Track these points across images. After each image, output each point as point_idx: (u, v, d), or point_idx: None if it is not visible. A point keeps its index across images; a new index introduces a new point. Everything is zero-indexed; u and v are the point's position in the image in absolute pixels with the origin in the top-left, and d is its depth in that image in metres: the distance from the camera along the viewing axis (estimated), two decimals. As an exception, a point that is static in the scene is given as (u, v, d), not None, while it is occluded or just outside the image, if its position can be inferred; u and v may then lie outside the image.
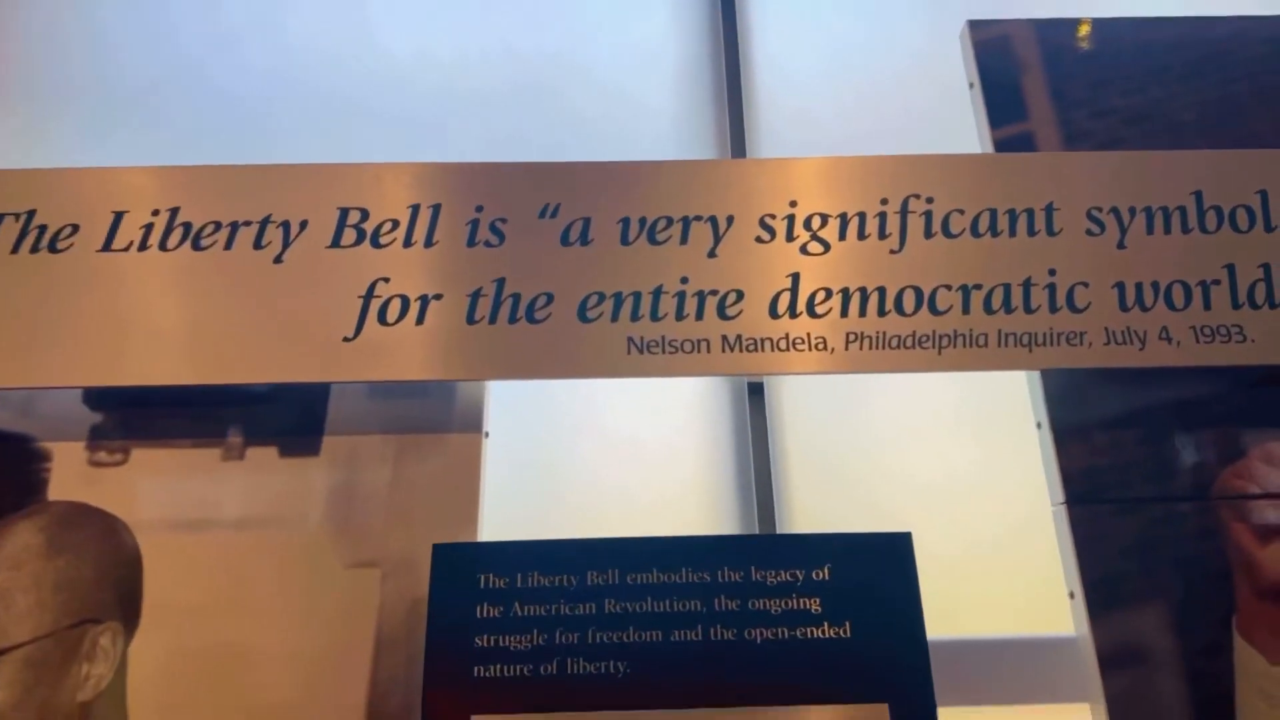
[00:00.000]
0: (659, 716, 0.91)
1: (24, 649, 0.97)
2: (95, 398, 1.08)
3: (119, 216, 1.14)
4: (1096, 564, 1.05)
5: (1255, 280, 1.13)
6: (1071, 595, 1.06)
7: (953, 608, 1.06)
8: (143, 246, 1.12)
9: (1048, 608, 1.08)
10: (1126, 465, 1.11)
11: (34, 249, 1.12)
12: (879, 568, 0.99)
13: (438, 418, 1.09)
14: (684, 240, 1.14)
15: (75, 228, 1.13)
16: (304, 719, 0.95)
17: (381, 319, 1.08)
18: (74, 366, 1.06)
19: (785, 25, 1.52)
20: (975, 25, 1.36)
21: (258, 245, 1.12)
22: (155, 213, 1.14)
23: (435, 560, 0.97)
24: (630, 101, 1.44)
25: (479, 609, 0.96)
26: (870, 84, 1.46)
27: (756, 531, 1.16)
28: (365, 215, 1.14)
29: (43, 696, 0.95)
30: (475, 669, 0.93)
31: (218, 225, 1.13)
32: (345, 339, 1.07)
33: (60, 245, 1.12)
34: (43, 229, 1.13)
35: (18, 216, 1.14)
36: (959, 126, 1.32)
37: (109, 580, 1.00)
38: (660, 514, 1.18)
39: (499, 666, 0.93)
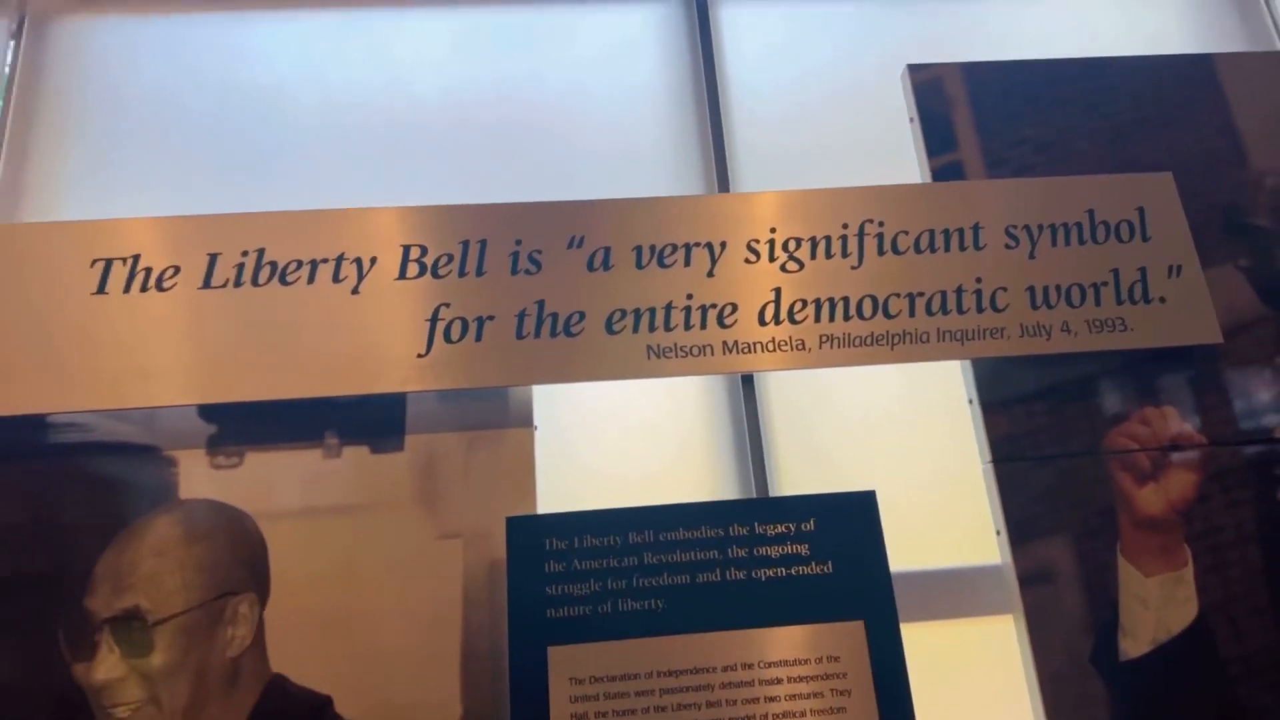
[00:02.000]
0: (689, 639, 1.19)
1: (178, 619, 1.20)
2: (210, 412, 1.30)
3: (214, 258, 1.35)
4: (1016, 508, 1.36)
5: (1134, 281, 1.44)
6: (998, 532, 1.36)
7: (908, 546, 1.35)
8: (238, 283, 1.33)
9: (979, 543, 1.38)
10: (1037, 430, 1.41)
11: (144, 288, 1.32)
12: (851, 519, 1.27)
13: (496, 416, 1.34)
14: (687, 263, 1.39)
15: (177, 269, 1.33)
16: (409, 663, 1.20)
17: (447, 338, 1.32)
18: (191, 388, 1.27)
19: (758, 69, 1.76)
20: (914, 68, 1.63)
21: (336, 279, 1.34)
22: (245, 253, 1.35)
23: (510, 530, 1.23)
24: (625, 137, 1.67)
25: (546, 565, 1.22)
26: (831, 116, 1.72)
27: (754, 495, 1.44)
28: (425, 251, 1.37)
29: (199, 655, 1.19)
30: (548, 611, 1.19)
31: (299, 263, 1.35)
32: (419, 355, 1.30)
33: (166, 285, 1.33)
34: (149, 270, 1.33)
35: (125, 261, 1.34)
36: (906, 152, 1.58)
37: (241, 560, 1.23)
38: (677, 485, 1.44)
39: (566, 609, 1.19)
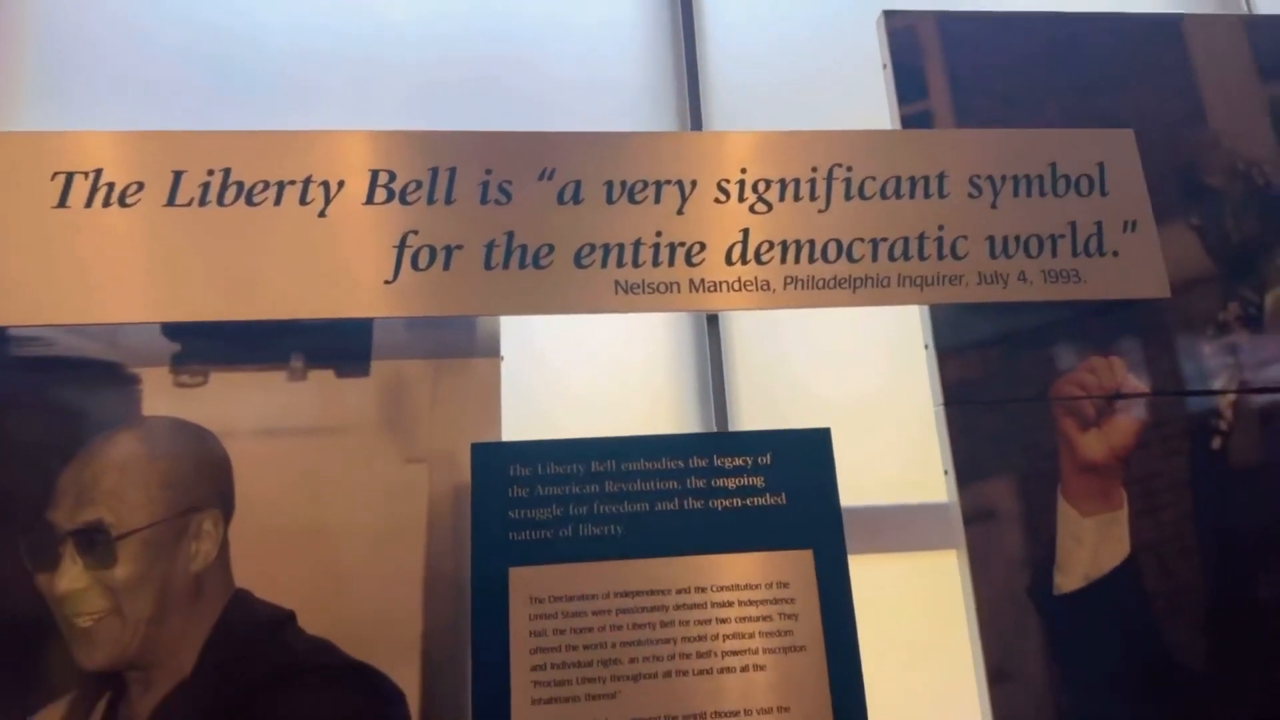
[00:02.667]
0: (646, 563, 1.23)
1: (141, 533, 1.21)
2: (173, 330, 1.29)
3: (178, 176, 1.33)
4: (964, 449, 1.41)
5: (1090, 235, 1.48)
6: (946, 472, 1.41)
7: (859, 482, 1.39)
8: (203, 202, 1.32)
9: (927, 482, 1.44)
10: (990, 375, 1.46)
11: (106, 204, 1.30)
12: (806, 455, 1.32)
13: (463, 345, 1.35)
14: (657, 200, 1.40)
15: (140, 185, 1.31)
16: (375, 580, 1.23)
17: (414, 265, 1.32)
18: (154, 305, 1.26)
19: (736, 4, 1.75)
20: (889, 15, 1.63)
21: (303, 201, 1.33)
22: (210, 172, 1.33)
23: (475, 456, 1.25)
24: (601, 71, 1.66)
25: (510, 490, 1.24)
26: (808, 56, 1.72)
27: (714, 429, 1.47)
28: (393, 177, 1.36)
29: (162, 569, 1.20)
30: (510, 534, 1.22)
31: (266, 184, 1.33)
32: (386, 282, 1.31)
33: (129, 200, 1.31)
34: (111, 186, 1.31)
35: (86, 175, 1.32)
36: (879, 96, 1.59)
37: (205, 477, 1.25)
38: (639, 418, 1.47)
39: (528, 532, 1.23)
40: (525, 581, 1.21)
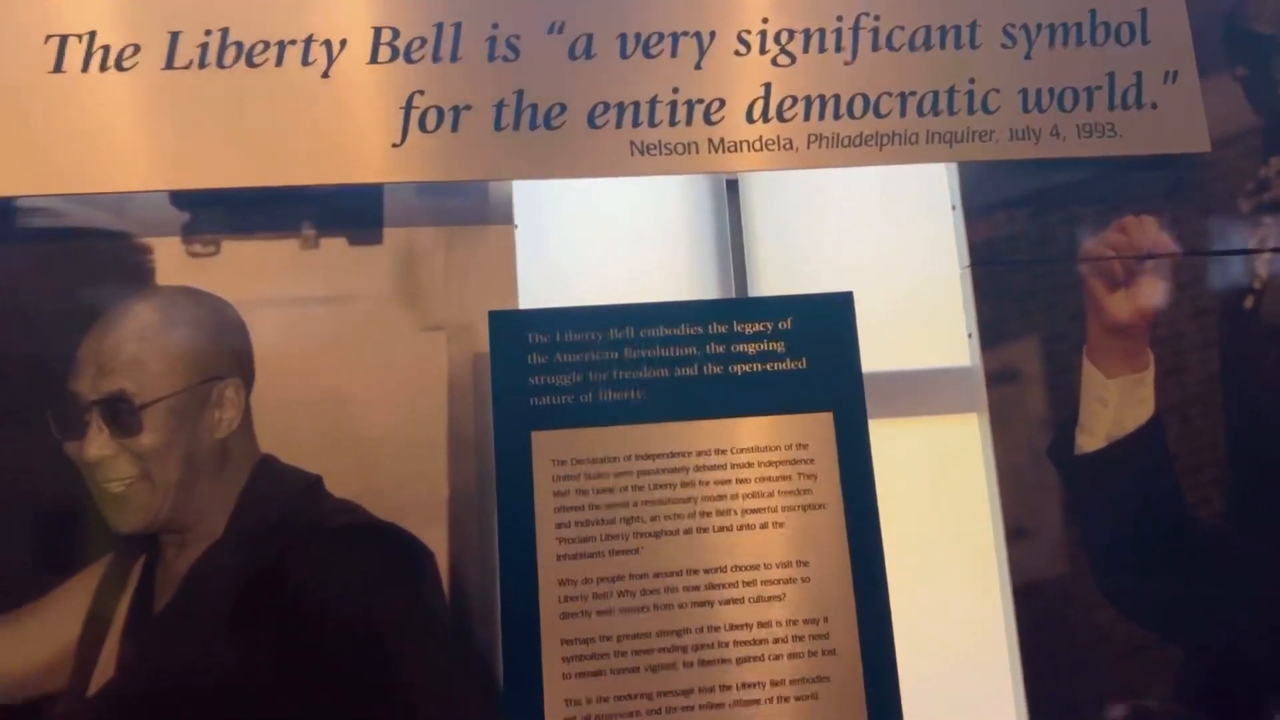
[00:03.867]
0: (667, 426, 1.23)
1: (165, 402, 1.22)
2: (183, 199, 1.27)
3: (175, 37, 1.27)
4: (990, 311, 1.38)
5: (1129, 86, 1.40)
6: (970, 335, 1.39)
7: (881, 347, 1.38)
8: (202, 64, 1.26)
9: (950, 346, 1.42)
10: (1018, 236, 1.42)
11: (103, 68, 1.25)
12: (828, 319, 1.29)
13: (476, 213, 1.32)
14: (674, 54, 1.34)
15: (137, 48, 1.26)
16: (397, 446, 1.24)
17: (422, 127, 1.27)
18: (160, 173, 1.24)
19: None
20: None
21: (305, 62, 1.28)
22: (208, 33, 1.27)
23: (492, 324, 1.24)
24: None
25: (529, 357, 1.24)
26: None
27: (734, 296, 1.45)
28: (396, 34, 1.30)
29: (187, 436, 1.22)
30: (531, 399, 1.22)
31: (266, 44, 1.28)
32: (394, 145, 1.27)
33: (126, 64, 1.26)
34: (107, 49, 1.26)
35: (80, 37, 1.26)
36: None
37: (224, 346, 1.24)
38: (659, 284, 1.44)
39: (549, 397, 1.23)
40: (547, 445, 1.22)
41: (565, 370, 1.25)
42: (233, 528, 1.21)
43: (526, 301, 1.31)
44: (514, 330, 1.25)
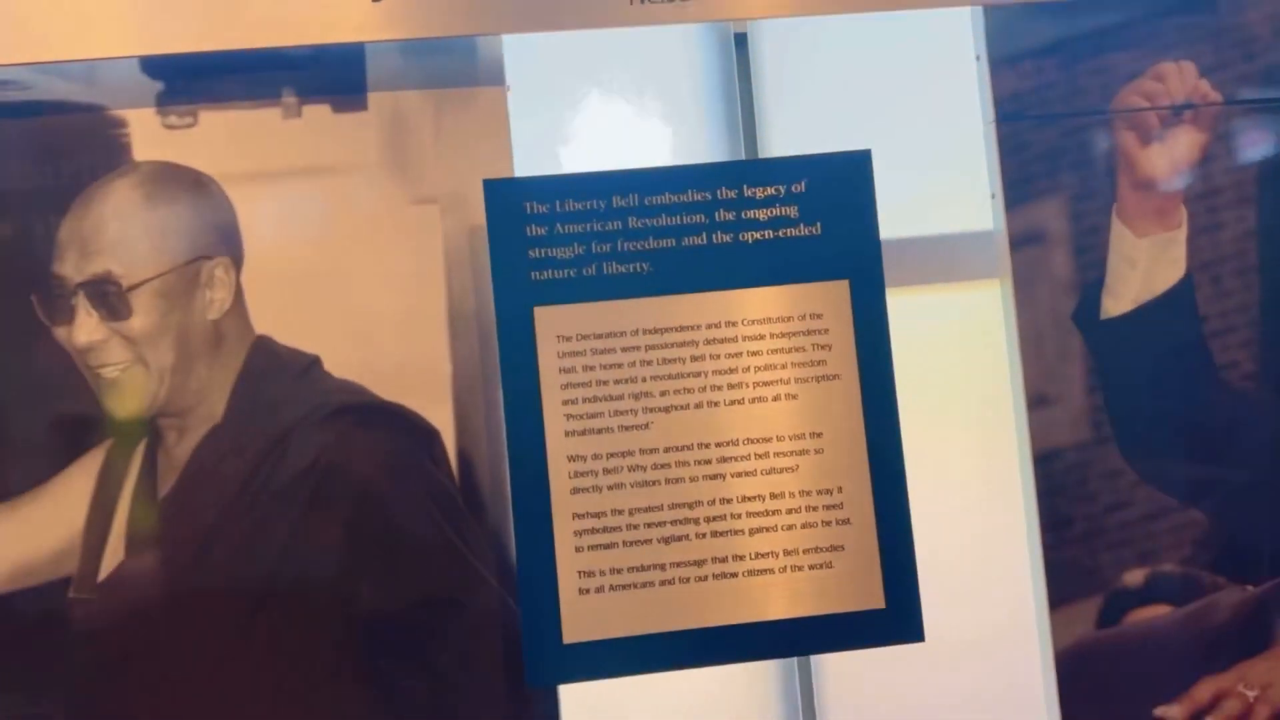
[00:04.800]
0: (674, 299, 1.18)
1: (152, 284, 1.17)
2: (156, 67, 1.19)
3: (128, -117, 1.17)
4: (1014, 169, 1.31)
5: (1174, -85, 1.28)
6: (993, 195, 1.32)
7: (898, 210, 1.31)
8: (161, -86, 1.16)
9: (971, 209, 1.35)
10: (1046, 87, 1.33)
11: (53, -80, 1.15)
12: (844, 181, 1.22)
13: (465, 74, 1.23)
14: (675, -109, 1.22)
15: (88, -104, 1.16)
16: (395, 324, 1.20)
17: (405, -20, 1.18)
18: (128, 39, 1.15)
19: None
20: None
21: (272, -91, 1.17)
22: (164, -123, 1.17)
23: (487, 193, 1.18)
24: None
25: (528, 229, 1.18)
26: None
27: (743, 158, 1.37)
28: (370, -126, 1.19)
29: (179, 318, 1.18)
30: (531, 273, 1.17)
31: (229, -111, 1.17)
32: (373, 0, 1.18)
33: (78, -85, 1.16)
34: (55, -101, 1.16)
35: (26, -114, 1.16)
36: None
37: (209, 224, 1.19)
38: (662, 148, 1.37)
39: (549, 271, 1.17)
40: (551, 320, 1.17)
41: (566, 242, 1.19)
42: (232, 410, 1.18)
43: (523, 170, 1.24)
44: (510, 200, 1.18)
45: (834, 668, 1.36)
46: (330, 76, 1.21)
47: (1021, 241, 1.29)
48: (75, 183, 1.17)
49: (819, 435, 1.18)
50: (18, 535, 1.16)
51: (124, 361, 1.16)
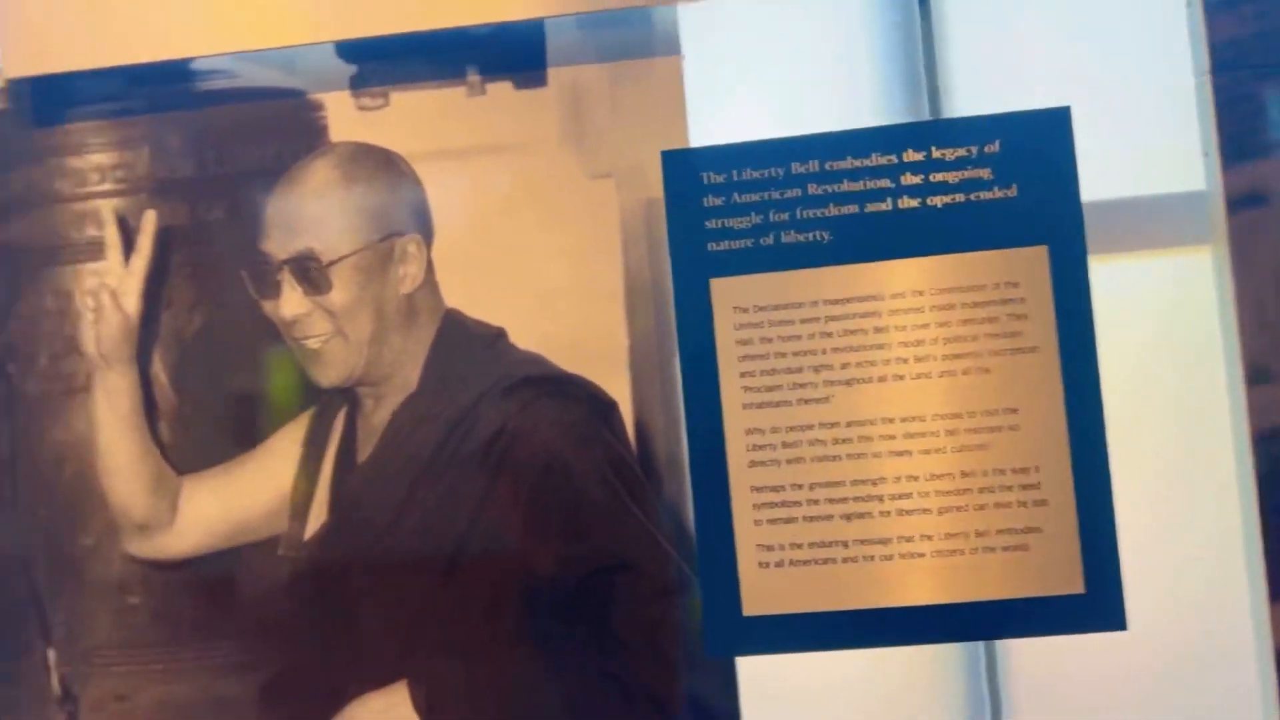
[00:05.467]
0: (857, 268, 1.14)
1: (350, 259, 1.23)
2: (349, 51, 1.24)
3: (324, -125, 1.22)
4: (1231, 124, 1.19)
5: None
6: (1206, 154, 1.21)
7: (1101, 170, 1.22)
8: (352, -96, 1.21)
9: (1181, 169, 1.24)
10: (1267, 34, 1.20)
11: (258, -84, 1.22)
12: (1041, 139, 1.15)
13: (640, 45, 1.23)
14: None
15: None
16: (574, 297, 1.22)
17: (584, -47, 1.18)
18: (324, 24, 1.21)
19: None
20: None
21: (456, -109, 1.20)
22: None
23: (665, 164, 1.17)
24: None
25: (705, 199, 1.17)
26: None
27: (928, 119, 1.32)
28: None
29: (375, 292, 1.24)
30: (708, 244, 1.16)
31: (415, -126, 1.20)
32: (555, -25, 1.19)
33: (278, -90, 1.22)
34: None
35: (233, -115, 1.23)
36: None
37: (401, 201, 1.24)
38: (842, 112, 1.32)
39: (727, 242, 1.16)
40: (728, 292, 1.16)
41: (744, 212, 1.17)
42: (426, 380, 1.23)
43: (698, 140, 1.23)
44: (688, 171, 1.18)
45: (1024, 658, 1.30)
46: (512, 54, 1.23)
47: (1240, 203, 1.18)
48: (278, 165, 1.25)
49: (1014, 411, 1.12)
50: (233, 496, 1.26)
51: (325, 333, 1.23)
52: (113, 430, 1.26)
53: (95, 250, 1.27)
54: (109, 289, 1.25)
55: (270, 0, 1.21)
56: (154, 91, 1.28)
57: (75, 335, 1.28)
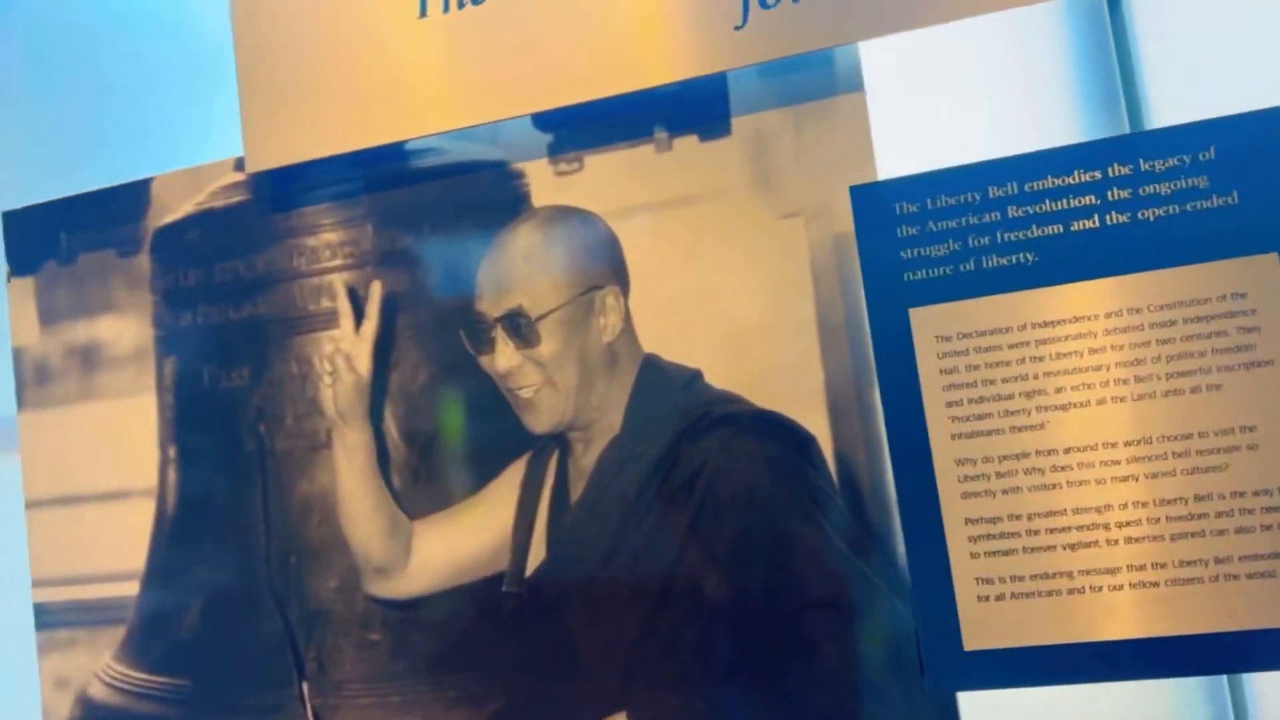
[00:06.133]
0: (1065, 289, 1.12)
1: (556, 313, 1.32)
2: (544, 122, 1.34)
3: (516, -38, 1.33)
4: None
5: None
6: None
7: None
8: (543, -15, 1.31)
9: None
10: None
11: (460, 5, 1.34)
12: (1263, 143, 1.08)
13: (822, 85, 1.26)
14: None
15: (483, -20, 1.33)
16: (768, 335, 1.25)
17: (762, 3, 1.23)
18: (527, 97, 1.30)
19: None
20: None
21: (637, -39, 1.28)
22: (545, -48, 1.31)
23: (854, 199, 1.19)
24: None
25: (899, 230, 1.18)
26: None
27: (1127, 132, 1.27)
28: (725, -90, 1.25)
29: (579, 344, 1.31)
30: (904, 275, 1.17)
31: (599, -49, 1.29)
32: (735, 28, 1.23)
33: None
34: (460, -12, 1.35)
35: (437, -18, 1.36)
36: None
37: (599, 257, 1.32)
38: (1032, 132, 1.30)
39: (924, 271, 1.16)
40: (928, 321, 1.16)
41: (940, 239, 1.17)
42: (628, 422, 1.29)
43: (885, 172, 1.24)
44: (879, 203, 1.19)
45: (1275, 693, 1.21)
46: (696, 108, 1.29)
47: None
48: (488, 231, 1.36)
49: (1251, 429, 1.05)
50: (460, 537, 1.36)
51: (536, 383, 1.32)
52: (352, 481, 1.39)
53: (330, 319, 1.43)
54: (343, 353, 1.40)
55: (472, 81, 1.32)
56: (373, 173, 1.43)
57: (316, 397, 1.43)
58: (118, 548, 1.53)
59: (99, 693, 1.52)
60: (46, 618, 1.56)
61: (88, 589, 1.55)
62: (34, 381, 1.59)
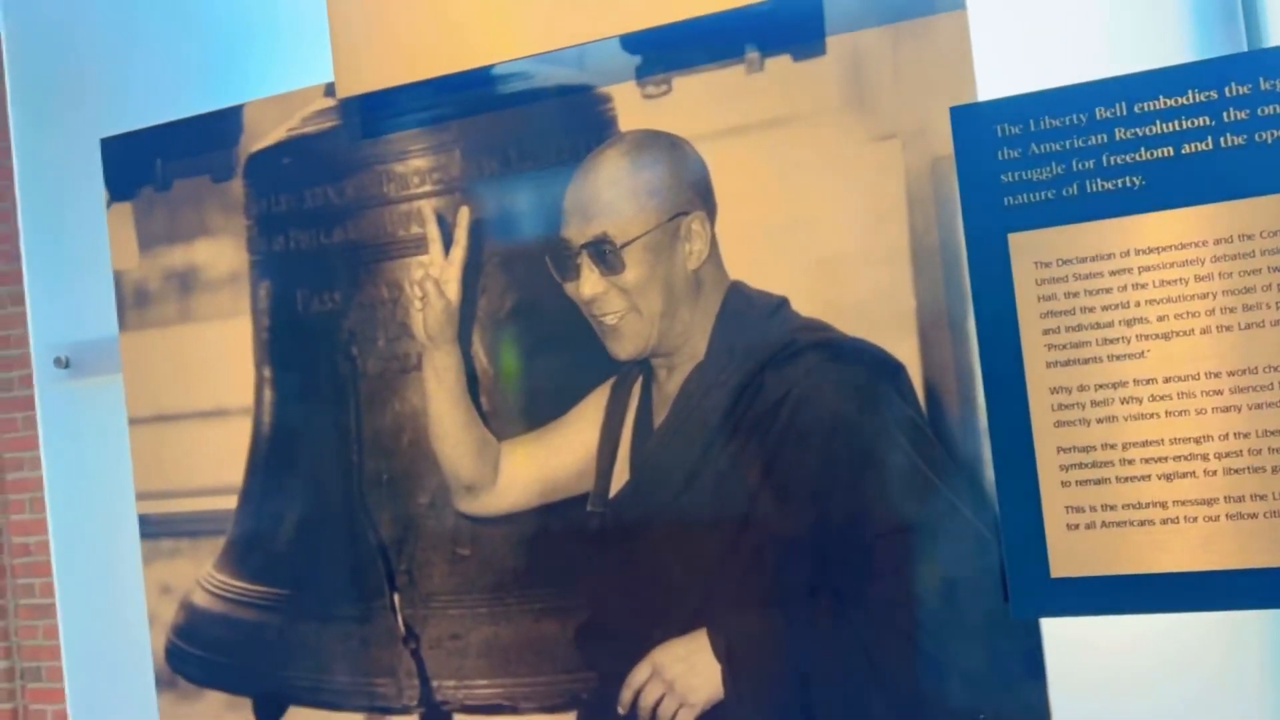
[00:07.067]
0: (1172, 214, 1.07)
1: (641, 240, 1.32)
2: (631, 43, 1.33)
3: (606, -122, 1.30)
4: None
5: None
6: None
7: None
8: (634, -99, 1.28)
9: None
10: None
11: (548, -74, 1.32)
12: (1398, 57, 1.03)
13: (921, 3, 1.21)
14: None
15: (574, -102, 1.31)
16: (858, 262, 1.24)
17: (862, -83, 1.19)
18: (612, 19, 1.29)
19: None
20: None
21: (731, -126, 1.24)
22: None
23: (955, 120, 1.16)
24: None
25: (1000, 153, 1.14)
26: None
27: (1245, 50, 1.21)
28: None
29: (664, 270, 1.32)
30: (1005, 199, 1.14)
31: None
32: (832, -57, 1.20)
33: (566, -83, 1.32)
34: (548, -94, 1.32)
35: (525, -100, 1.34)
36: None
37: (686, 182, 1.31)
38: (1141, 50, 1.24)
39: (1025, 195, 1.13)
40: (1027, 246, 1.13)
41: (1043, 162, 1.13)
42: (712, 349, 1.30)
43: (986, 93, 1.20)
44: (980, 125, 1.15)
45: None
46: (789, 27, 1.26)
47: None
48: (574, 156, 1.36)
49: (1365, 361, 1.02)
50: (546, 458, 1.39)
51: (621, 310, 1.33)
52: (441, 402, 1.43)
53: (419, 245, 1.45)
54: (432, 279, 1.43)
55: (559, 2, 1.31)
56: (461, 98, 1.43)
57: (406, 320, 1.47)
58: (216, 463, 1.60)
59: (201, 599, 1.62)
60: (150, 528, 1.65)
61: (189, 502, 1.64)
62: (134, 304, 1.65)
